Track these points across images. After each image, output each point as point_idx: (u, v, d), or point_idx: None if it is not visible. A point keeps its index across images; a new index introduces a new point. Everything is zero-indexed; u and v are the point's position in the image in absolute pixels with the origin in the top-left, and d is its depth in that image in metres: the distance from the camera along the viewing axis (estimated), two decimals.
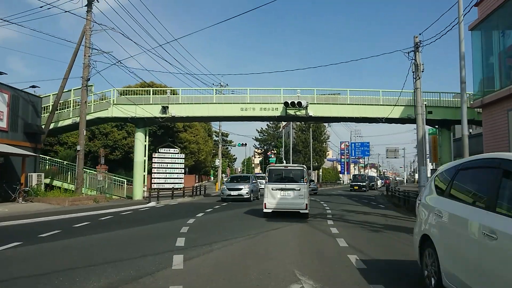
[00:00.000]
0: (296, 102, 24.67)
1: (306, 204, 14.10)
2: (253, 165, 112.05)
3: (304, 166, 15.79)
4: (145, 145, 26.58)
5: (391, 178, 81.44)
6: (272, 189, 14.31)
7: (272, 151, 76.14)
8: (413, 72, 18.19)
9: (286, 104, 24.83)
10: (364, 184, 41.20)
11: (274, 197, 14.25)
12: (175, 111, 25.37)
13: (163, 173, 31.82)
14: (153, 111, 25.29)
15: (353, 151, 79.09)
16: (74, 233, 10.16)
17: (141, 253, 7.42)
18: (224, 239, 9.10)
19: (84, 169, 26.93)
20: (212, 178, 75.63)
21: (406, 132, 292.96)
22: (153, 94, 25.94)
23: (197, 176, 59.23)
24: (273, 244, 8.65)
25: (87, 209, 17.37)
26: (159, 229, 11.27)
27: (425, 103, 19.48)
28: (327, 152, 72.46)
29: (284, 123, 78.82)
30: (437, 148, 30.01)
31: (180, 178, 33.23)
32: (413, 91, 18.40)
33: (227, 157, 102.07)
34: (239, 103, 25.68)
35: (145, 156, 26.55)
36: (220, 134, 51.99)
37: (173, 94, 26.71)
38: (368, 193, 39.49)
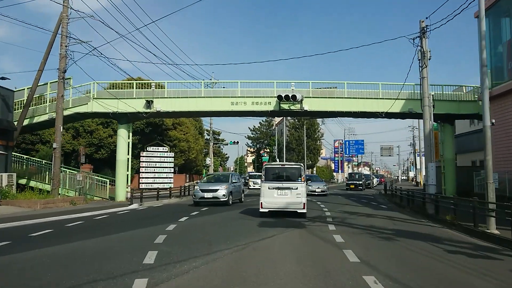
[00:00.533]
0: (290, 95, 22.98)
1: (304, 204, 13.71)
2: (246, 164, 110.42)
3: (301, 164, 15.14)
4: (129, 142, 24.72)
5: (389, 176, 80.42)
6: (269, 188, 13.94)
7: (265, 150, 74.54)
8: (418, 60, 16.58)
9: (279, 97, 23.12)
10: (360, 182, 39.63)
11: (270, 196, 13.90)
12: (160, 105, 23.54)
13: (152, 172, 30.76)
14: (137, 105, 23.44)
15: (347, 149, 77.83)
16: (25, 246, 8.38)
17: (93, 275, 5.68)
18: (206, 253, 7.38)
19: (64, 169, 25.11)
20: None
21: (401, 130, 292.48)
22: (136, 88, 24.09)
23: (188, 175, 57.34)
24: (267, 260, 6.92)
25: (59, 212, 15.54)
26: (130, 238, 9.50)
27: (432, 93, 17.87)
28: (321, 151, 70.95)
29: (277, 120, 77.27)
30: (439, 145, 28.55)
31: (170, 177, 32.16)
32: (419, 81, 16.78)
33: (219, 156, 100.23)
34: (229, 97, 23.92)
35: (128, 154, 24.70)
36: (211, 131, 50.25)
37: (159, 88, 24.87)
38: (365, 192, 37.94)
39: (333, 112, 24.57)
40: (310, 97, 24.18)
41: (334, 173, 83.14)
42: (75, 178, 23.70)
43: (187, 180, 55.97)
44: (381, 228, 11.37)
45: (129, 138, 24.78)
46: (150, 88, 23.90)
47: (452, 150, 25.93)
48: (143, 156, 30.37)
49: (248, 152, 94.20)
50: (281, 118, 71.20)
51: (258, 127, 79.20)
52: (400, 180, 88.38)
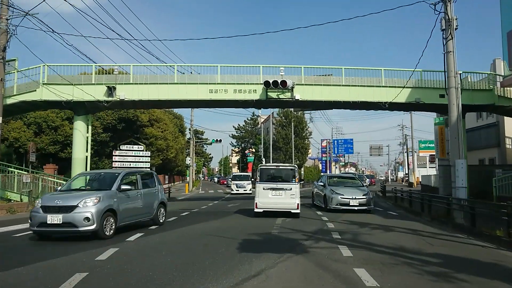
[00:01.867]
0: (279, 81, 19.40)
1: (298, 204, 14.05)
2: (230, 164, 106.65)
3: (295, 166, 16.11)
4: (87, 137, 20.82)
5: (383, 178, 77.68)
6: (264, 189, 14.23)
7: (250, 150, 70.94)
8: (442, 30, 13.16)
9: (266, 84, 19.53)
10: None
11: (265, 197, 14.16)
12: (124, 93, 19.72)
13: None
14: (96, 93, 19.57)
15: (336, 148, 74.67)
16: None
17: None
18: None
19: (12, 169, 21.09)
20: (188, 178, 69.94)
21: (389, 129, 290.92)
22: (96, 73, 20.22)
23: (167, 176, 53.41)
24: None
25: None
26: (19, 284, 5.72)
27: (459, 71, 14.36)
28: (309, 150, 67.60)
29: (263, 118, 73.73)
30: (445, 141, 25.36)
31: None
32: (443, 57, 13.30)
33: (203, 156, 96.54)
34: (207, 83, 20.23)
35: (87, 152, 20.82)
36: (191, 127, 46.45)
37: (123, 74, 20.97)
38: None
39: (329, 102, 21.05)
40: (302, 84, 20.67)
41: (322, 174, 80.00)
42: (21, 179, 19.67)
43: (166, 182, 52.02)
44: (416, 251, 7.83)
45: (88, 132, 20.86)
46: (113, 73, 20.05)
47: (465, 146, 22.65)
48: (116, 156, 27.70)
49: (233, 152, 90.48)
50: (268, 116, 67.93)
51: (243, 125, 75.57)
52: (389, 180, 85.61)
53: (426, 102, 21.08)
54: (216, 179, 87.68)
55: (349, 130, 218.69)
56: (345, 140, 74.87)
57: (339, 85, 20.91)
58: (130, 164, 30.30)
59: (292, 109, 59.51)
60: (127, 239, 9.08)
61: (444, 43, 13.11)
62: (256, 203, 14.19)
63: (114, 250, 7.67)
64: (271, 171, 15.31)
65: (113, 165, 28.76)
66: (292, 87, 20.20)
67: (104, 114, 34.22)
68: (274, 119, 60.99)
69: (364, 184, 29.28)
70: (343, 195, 16.53)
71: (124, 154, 29.05)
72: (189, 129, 54.71)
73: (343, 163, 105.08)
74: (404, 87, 20.66)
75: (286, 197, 14.00)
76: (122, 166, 30.23)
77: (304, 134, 60.84)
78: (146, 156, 30.70)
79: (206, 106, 22.73)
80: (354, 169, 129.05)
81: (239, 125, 76.04)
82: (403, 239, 9.33)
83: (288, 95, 20.42)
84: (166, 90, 20.04)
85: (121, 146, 28.60)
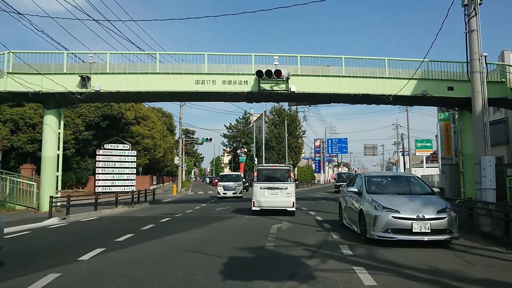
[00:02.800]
0: (273, 70, 17.45)
1: (293, 202, 14.74)
2: (222, 164, 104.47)
3: (291, 166, 16.66)
4: (59, 133, 18.71)
5: None
6: (261, 188, 14.85)
7: (242, 149, 68.94)
8: (464, 6, 11.26)
9: (259, 74, 17.54)
10: None
11: (262, 196, 14.78)
12: (100, 84, 17.61)
13: (110, 173, 27.34)
14: (68, 83, 17.44)
15: (330, 148, 73.04)
16: None
17: None
18: None
19: None
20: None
21: (383, 128, 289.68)
22: (68, 61, 18.08)
23: (156, 177, 51.14)
24: None
25: None
26: None
27: (485, 53, 12.45)
28: (303, 150, 65.71)
29: (255, 117, 71.80)
30: (450, 138, 23.61)
31: (131, 179, 28.16)
32: (465, 36, 11.39)
33: (193, 156, 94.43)
34: (192, 73, 18.19)
35: (59, 150, 18.71)
36: (180, 125, 44.33)
37: (98, 63, 18.81)
38: None
39: (328, 94, 19.10)
40: (299, 75, 18.74)
41: (315, 174, 78.20)
42: None
43: (154, 183, 49.79)
44: (458, 277, 5.83)
45: (60, 128, 18.73)
46: (88, 62, 17.92)
47: (473, 144, 20.86)
48: (100, 155, 26.77)
49: (225, 152, 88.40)
50: (260, 114, 65.91)
51: (235, 124, 73.66)
52: None
53: (433, 95, 19.25)
54: (208, 180, 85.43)
55: (342, 129, 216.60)
56: (339, 139, 73.15)
57: (339, 76, 19.01)
58: (115, 164, 28.24)
59: (286, 107, 57.76)
60: (80, 258, 7.03)
61: (466, 21, 11.21)
62: (253, 201, 14.84)
63: (53, 278, 5.63)
64: (267, 171, 15.84)
65: (96, 165, 27.38)
66: (287, 78, 18.25)
67: (86, 110, 32.20)
68: (266, 118, 59.05)
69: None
70: (398, 211, 8.45)
71: (109, 154, 27.71)
72: (179, 127, 52.71)
73: (336, 163, 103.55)
74: (410, 78, 18.83)
75: (282, 196, 14.66)
76: (106, 166, 28.22)
77: (297, 133, 58.94)
78: (132, 156, 29.01)
79: (191, 99, 20.71)
80: (347, 169, 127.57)
81: (230, 124, 74.24)
82: (434, 256, 7.36)
83: (282, 86, 18.46)
84: (147, 81, 17.95)
85: (105, 145, 27.19)
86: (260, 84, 18.27)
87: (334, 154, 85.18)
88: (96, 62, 17.88)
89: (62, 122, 18.89)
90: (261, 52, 19.04)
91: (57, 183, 18.46)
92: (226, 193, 27.30)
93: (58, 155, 18.60)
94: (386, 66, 19.30)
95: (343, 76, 19.02)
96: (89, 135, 32.76)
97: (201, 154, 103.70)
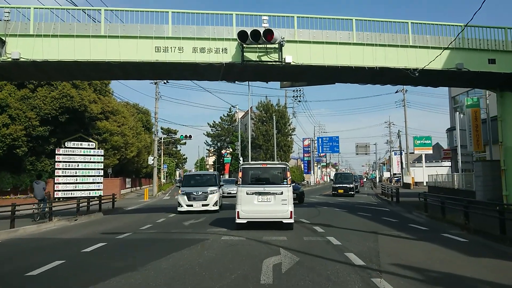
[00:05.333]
0: (262, 31, 12.62)
1: (291, 212, 11.03)
2: (207, 166, 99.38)
3: (287, 164, 12.65)
4: None
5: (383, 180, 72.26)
6: (247, 194, 11.15)
7: (227, 150, 64.09)
8: None
9: (242, 36, 12.66)
10: (351, 186, 29.61)
11: (249, 204, 11.09)
12: (21, 50, 12.54)
13: (72, 176, 24.67)
14: None
15: (320, 147, 68.74)
16: None
17: None
18: None
19: None
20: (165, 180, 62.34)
21: (375, 127, 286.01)
22: None
23: (129, 179, 45.71)
24: None
25: None
26: None
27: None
28: (292, 149, 61.03)
29: (241, 114, 67.06)
30: (480, 129, 19.12)
31: (98, 182, 25.47)
32: None
33: (176, 157, 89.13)
34: (152, 37, 13.24)
35: None
36: (155, 120, 39.15)
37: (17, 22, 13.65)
38: (361, 199, 28.00)
39: (334, 68, 14.27)
40: (296, 41, 13.96)
41: (304, 175, 73.71)
42: None
43: (128, 186, 44.43)
44: None
45: None
46: (3, 20, 12.82)
47: None
48: (60, 154, 24.25)
49: (209, 152, 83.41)
50: (246, 111, 60.94)
51: (219, 122, 68.71)
52: (378, 181, 79.78)
53: (470, 70, 14.66)
54: None
55: (331, 128, 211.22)
56: (330, 138, 68.88)
57: (349, 44, 14.32)
58: (78, 165, 25.11)
59: (275, 99, 52.63)
60: None
61: None
62: (238, 212, 11.20)
63: None
64: (256, 170, 12.07)
65: (56, 166, 24.45)
66: (281, 44, 13.47)
67: (41, 102, 27.34)
68: (253, 114, 54.29)
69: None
70: None
71: (71, 153, 24.87)
72: (163, 129, 47.66)
73: (325, 164, 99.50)
74: (444, 48, 14.26)
75: (276, 204, 11.08)
76: (67, 167, 24.76)
77: (286, 131, 54.22)
78: (98, 155, 26.01)
79: (150, 74, 15.58)
80: (335, 170, 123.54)
81: (214, 122, 69.26)
82: None
83: (274, 56, 13.66)
84: (87, 47, 12.91)
85: (66, 143, 24.61)
86: (245, 53, 13.44)
87: (323, 154, 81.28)
88: (15, 21, 12.78)
89: None
90: (246, 11, 14.12)
91: None
92: (191, 205, 16.91)
93: None
94: (410, 32, 14.72)
95: (354, 44, 14.34)
96: (45, 131, 28.02)
97: (184, 155, 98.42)
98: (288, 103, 57.28)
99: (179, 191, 17.77)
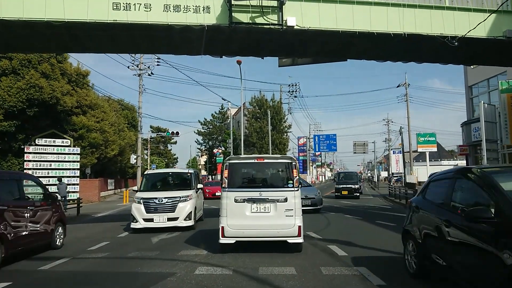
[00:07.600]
0: None
1: (299, 227, 7.51)
2: (200, 166, 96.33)
3: (293, 157, 8.50)
4: None
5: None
6: (236, 201, 7.60)
7: (219, 149, 60.89)
8: None
9: None
10: (357, 187, 26.52)
11: (239, 216, 7.56)
12: None
13: (45, 177, 21.90)
14: None
15: (316, 145, 65.77)
16: None
17: None
18: None
19: None
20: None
21: (371, 125, 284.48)
22: None
23: (112, 180, 42.12)
24: None
25: None
26: None
27: None
28: (288, 147, 57.94)
29: (233, 111, 63.86)
30: None
31: (74, 184, 22.81)
32: None
33: (166, 157, 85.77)
34: None
35: None
36: (139, 115, 35.58)
37: None
38: (368, 201, 24.75)
39: (350, 33, 10.96)
40: None
41: (300, 175, 70.87)
42: None
43: (110, 187, 40.85)
44: None
45: None
46: None
47: None
48: (30, 153, 21.92)
49: (200, 151, 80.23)
50: (238, 108, 57.61)
51: (210, 120, 65.46)
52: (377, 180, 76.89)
53: None
54: None
55: (326, 127, 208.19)
56: (327, 136, 65.76)
57: (369, 3, 11.01)
58: (50, 165, 22.70)
59: (268, 102, 49.03)
60: None
61: None
62: (222, 227, 7.62)
63: None
64: (248, 168, 8.54)
65: (25, 166, 21.89)
66: (282, 2, 10.11)
67: (4, 93, 24.19)
68: (246, 110, 51.11)
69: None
70: None
71: (42, 151, 22.46)
72: (152, 128, 43.85)
73: (320, 163, 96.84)
74: (485, 10, 11.02)
75: (277, 216, 7.53)
76: (38, 167, 22.17)
77: (282, 127, 51.06)
78: (74, 154, 23.48)
79: (109, 45, 12.03)
80: (330, 170, 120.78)
81: (205, 119, 65.94)
82: None
83: (272, 18, 10.32)
84: (18, 0, 9.51)
85: (36, 140, 22.24)
86: (233, 14, 10.09)
87: (319, 153, 78.62)
88: None
89: None
90: None
91: None
92: (151, 219, 11.47)
93: None
94: None
95: (375, 4, 11.06)
96: (11, 127, 25.01)
97: (175, 155, 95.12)
98: (283, 98, 54.33)
99: (134, 198, 12.15)
